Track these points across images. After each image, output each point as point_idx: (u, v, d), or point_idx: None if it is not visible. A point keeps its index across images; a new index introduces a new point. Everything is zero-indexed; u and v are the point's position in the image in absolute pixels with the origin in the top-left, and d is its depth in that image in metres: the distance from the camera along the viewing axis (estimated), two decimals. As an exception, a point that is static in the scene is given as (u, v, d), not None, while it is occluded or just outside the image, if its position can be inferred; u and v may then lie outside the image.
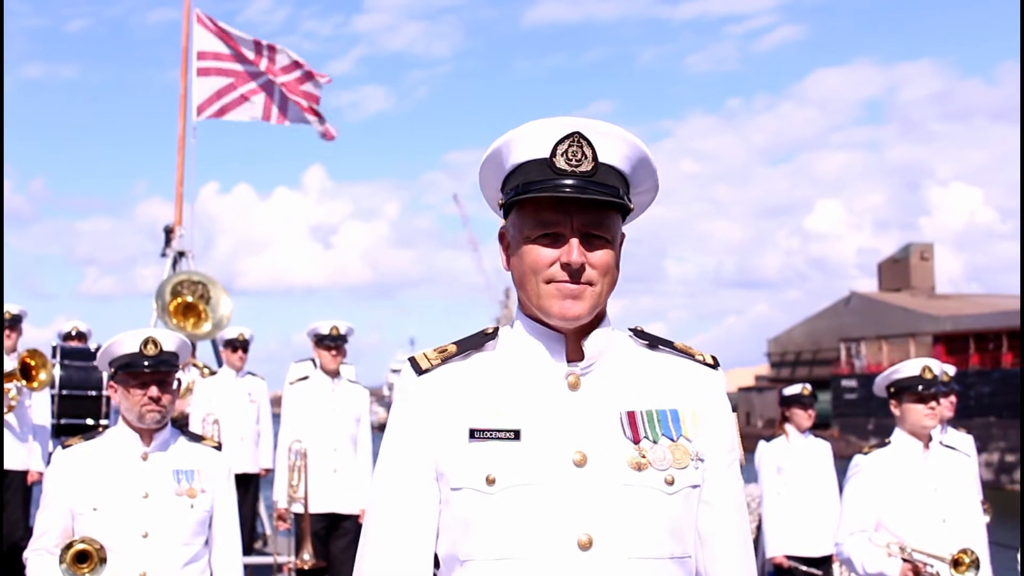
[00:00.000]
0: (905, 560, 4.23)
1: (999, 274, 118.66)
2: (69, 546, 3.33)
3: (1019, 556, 6.81)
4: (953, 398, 6.89)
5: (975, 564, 4.05)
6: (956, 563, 4.06)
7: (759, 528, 8.10)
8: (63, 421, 6.97)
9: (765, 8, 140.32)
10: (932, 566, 4.16)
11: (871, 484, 4.48)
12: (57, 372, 6.72)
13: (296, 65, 11.21)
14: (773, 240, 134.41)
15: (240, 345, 8.88)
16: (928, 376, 4.50)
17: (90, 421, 3.59)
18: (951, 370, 6.72)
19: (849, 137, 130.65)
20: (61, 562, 3.30)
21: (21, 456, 7.88)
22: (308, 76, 11.23)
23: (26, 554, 3.66)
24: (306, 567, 6.61)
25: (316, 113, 11.20)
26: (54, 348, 6.95)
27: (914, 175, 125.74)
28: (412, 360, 1.92)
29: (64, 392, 6.72)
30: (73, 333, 9.28)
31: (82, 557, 3.32)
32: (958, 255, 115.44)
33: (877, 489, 4.46)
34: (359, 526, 6.65)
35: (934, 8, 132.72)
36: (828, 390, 48.70)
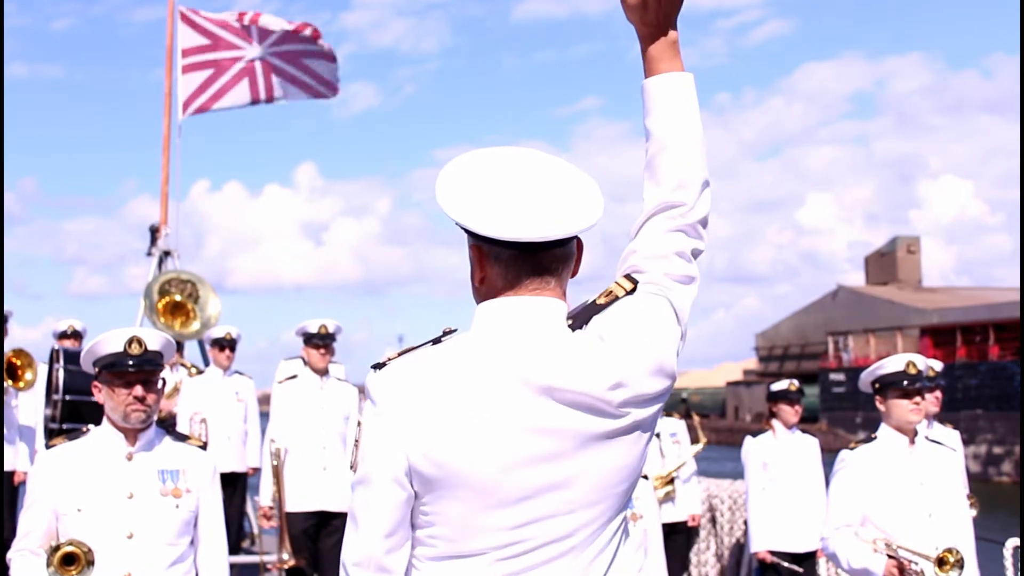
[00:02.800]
0: (890, 556, 4.24)
1: (989, 266, 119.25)
2: (56, 548, 3.31)
3: (1020, 546, 6.83)
4: (938, 393, 6.91)
5: (959, 564, 4.06)
6: (941, 562, 4.06)
7: (745, 523, 8.12)
8: (65, 426, 6.93)
9: (754, 2, 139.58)
10: (917, 564, 4.17)
11: (857, 479, 4.49)
12: (61, 376, 6.68)
13: (287, 36, 11.14)
14: (764, 235, 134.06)
15: (227, 344, 8.86)
16: (913, 371, 4.51)
17: (92, 426, 3.56)
18: (937, 365, 6.73)
19: (838, 131, 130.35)
20: (48, 565, 3.28)
21: (8, 457, 7.86)
22: (303, 40, 11.15)
23: (10, 555, 3.64)
24: (285, 567, 6.60)
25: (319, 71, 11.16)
26: (55, 351, 6.91)
27: (905, 168, 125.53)
28: None
29: (68, 397, 6.67)
30: (69, 332, 9.25)
31: (69, 559, 3.30)
32: (948, 248, 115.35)
33: (863, 484, 4.47)
34: (347, 524, 6.63)
35: (922, 1, 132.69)
36: (816, 384, 48.80)
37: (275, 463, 6.77)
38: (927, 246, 65.03)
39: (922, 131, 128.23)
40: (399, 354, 1.94)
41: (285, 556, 6.51)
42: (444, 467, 1.83)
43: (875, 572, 4.26)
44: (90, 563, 3.30)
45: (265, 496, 6.98)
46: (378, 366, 1.93)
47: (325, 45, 11.09)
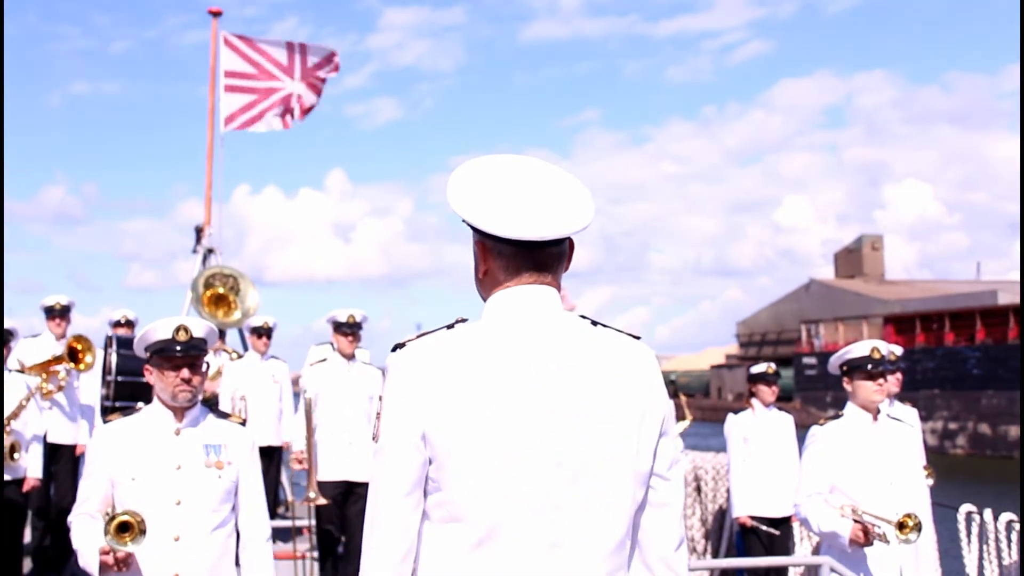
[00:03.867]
0: (856, 521, 4.23)
1: (946, 262, 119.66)
2: (113, 518, 3.30)
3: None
4: (899, 375, 6.88)
5: (918, 527, 4.05)
6: (901, 525, 4.06)
7: (727, 492, 8.11)
8: (118, 404, 6.98)
9: (737, 25, 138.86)
10: (880, 527, 4.16)
11: (826, 452, 4.47)
12: (114, 359, 6.70)
13: (327, 60, 11.25)
14: (746, 233, 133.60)
15: (265, 332, 8.87)
16: (877, 356, 4.49)
17: (141, 404, 3.58)
18: (898, 350, 6.70)
19: (812, 140, 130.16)
20: (105, 533, 3.28)
21: (70, 432, 7.88)
22: (327, 61, 11.26)
23: (70, 518, 3.65)
24: (313, 504, 6.51)
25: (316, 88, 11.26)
26: (109, 338, 6.93)
27: (872, 173, 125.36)
28: None
29: (120, 378, 6.70)
30: (123, 321, 9.26)
31: (124, 528, 3.30)
32: (910, 244, 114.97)
33: (832, 456, 4.45)
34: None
35: (886, 24, 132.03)
36: (791, 367, 48.69)
37: (307, 405, 6.61)
38: (891, 243, 65.04)
39: (887, 140, 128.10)
40: (416, 337, 1.94)
41: (312, 495, 6.46)
42: (455, 436, 1.82)
43: (842, 535, 4.25)
44: (143, 532, 3.29)
45: (297, 442, 7.05)
46: (397, 346, 1.94)
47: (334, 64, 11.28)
